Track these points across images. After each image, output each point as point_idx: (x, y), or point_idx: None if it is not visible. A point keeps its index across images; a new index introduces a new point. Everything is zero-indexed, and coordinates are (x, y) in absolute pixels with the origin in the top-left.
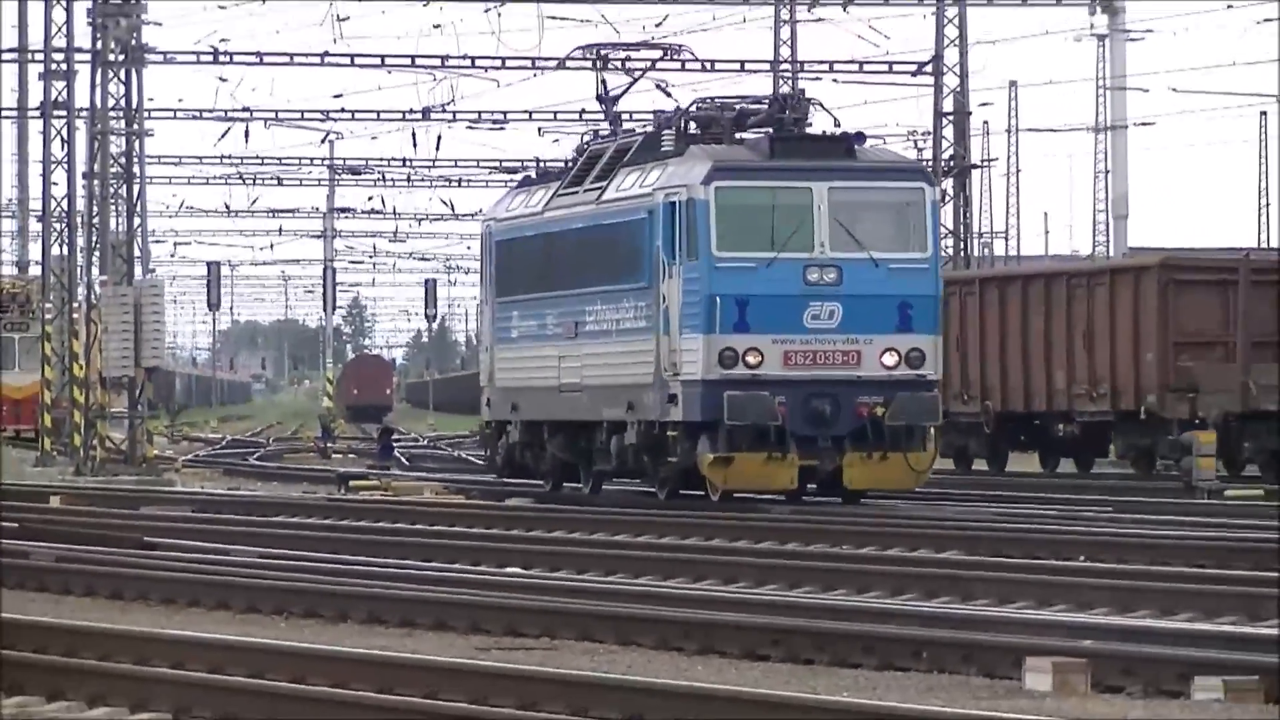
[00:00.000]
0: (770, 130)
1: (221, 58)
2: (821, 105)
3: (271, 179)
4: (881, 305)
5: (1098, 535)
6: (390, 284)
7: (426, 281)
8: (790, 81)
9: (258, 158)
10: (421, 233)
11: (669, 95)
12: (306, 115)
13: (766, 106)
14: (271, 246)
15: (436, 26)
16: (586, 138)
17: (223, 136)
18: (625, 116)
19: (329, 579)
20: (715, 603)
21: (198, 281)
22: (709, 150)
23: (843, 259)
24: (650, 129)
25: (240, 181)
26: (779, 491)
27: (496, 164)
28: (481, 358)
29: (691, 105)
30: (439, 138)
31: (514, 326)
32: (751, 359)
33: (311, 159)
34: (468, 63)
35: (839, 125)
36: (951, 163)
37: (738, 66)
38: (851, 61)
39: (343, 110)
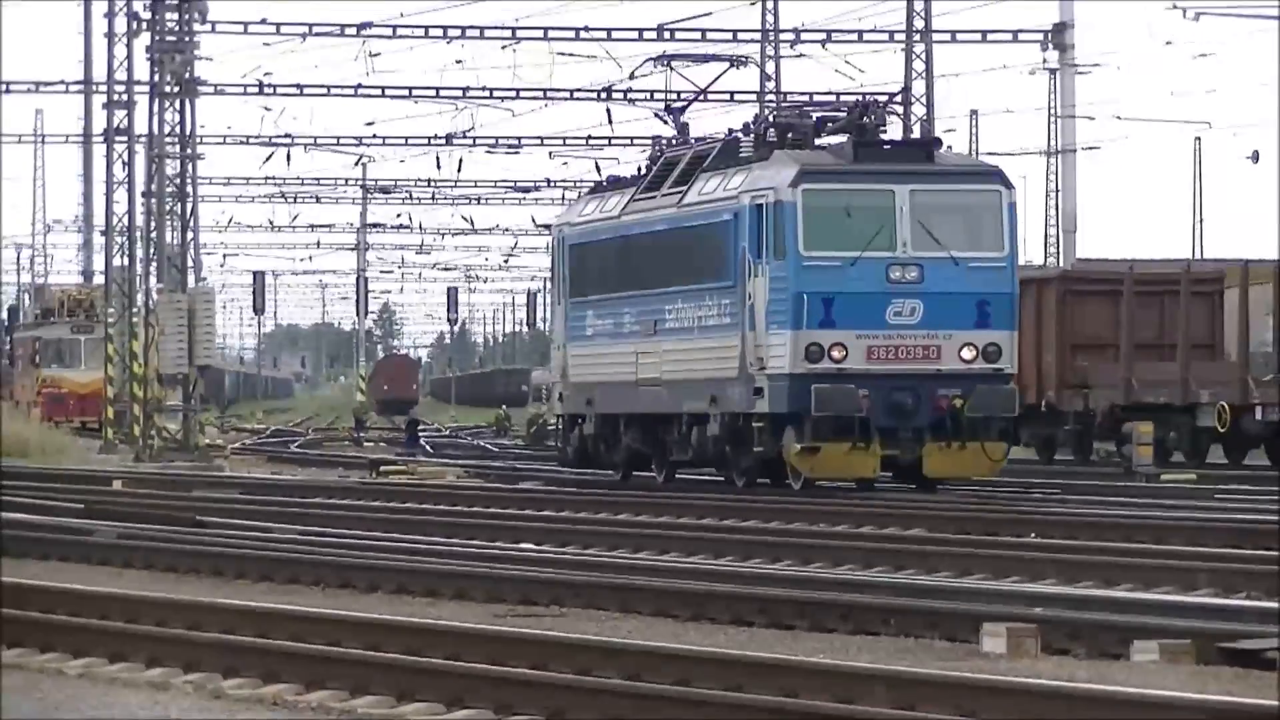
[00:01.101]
0: (851, 135)
1: (266, 90)
2: (897, 113)
3: (310, 197)
4: (960, 302)
5: (1048, 515)
6: (416, 291)
7: (449, 289)
8: (775, 110)
9: (298, 179)
10: (445, 245)
11: (666, 116)
12: (342, 141)
13: (845, 114)
14: (310, 258)
15: (458, 62)
16: (659, 147)
17: (267, 160)
18: (626, 142)
19: (361, 554)
20: (708, 575)
21: (244, 289)
22: (794, 155)
23: (924, 258)
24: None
25: (282, 200)
26: (862, 479)
27: (512, 184)
28: (554, 355)
29: (771, 113)
30: (460, 161)
31: (589, 325)
32: (836, 353)
33: (346, 180)
34: (486, 94)
35: (911, 132)
36: None
37: (727, 96)
38: (830, 93)
39: (374, 136)
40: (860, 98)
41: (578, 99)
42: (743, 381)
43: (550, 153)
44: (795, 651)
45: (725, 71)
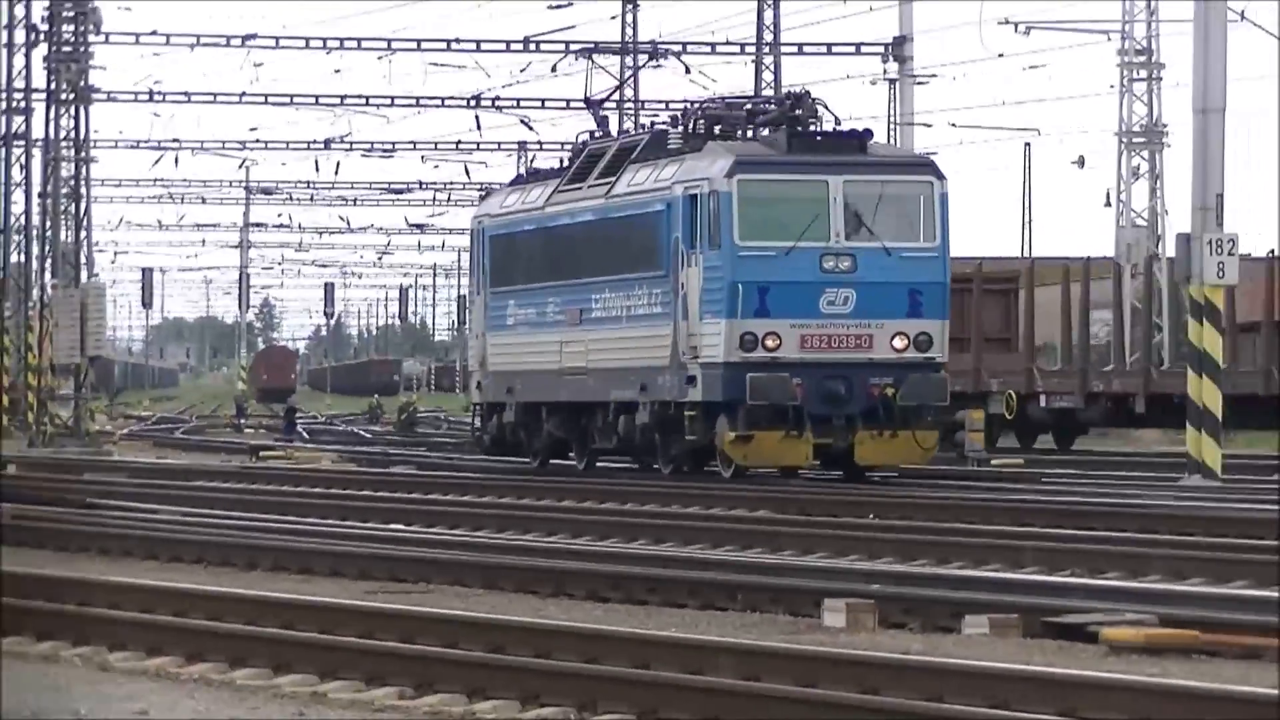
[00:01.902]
0: (784, 127)
1: (156, 97)
2: (825, 106)
3: (197, 198)
4: (892, 292)
5: (885, 497)
6: (296, 286)
7: (326, 285)
8: (633, 117)
9: (185, 181)
10: (322, 244)
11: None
12: (227, 145)
13: (776, 106)
14: (196, 255)
15: (337, 71)
16: (582, 138)
17: (156, 163)
18: (494, 147)
19: (241, 534)
20: (566, 554)
21: (134, 284)
22: (728, 145)
23: (857, 248)
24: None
25: (170, 200)
26: (794, 467)
27: (386, 186)
28: (471, 344)
29: (701, 105)
30: (338, 164)
31: (510, 314)
32: (770, 342)
33: (230, 181)
34: (363, 101)
35: (839, 124)
36: None
37: (563, 105)
38: (684, 100)
39: (257, 141)
40: (792, 90)
41: (448, 106)
42: (675, 370)
43: (422, 156)
44: (648, 625)
45: (644, 65)
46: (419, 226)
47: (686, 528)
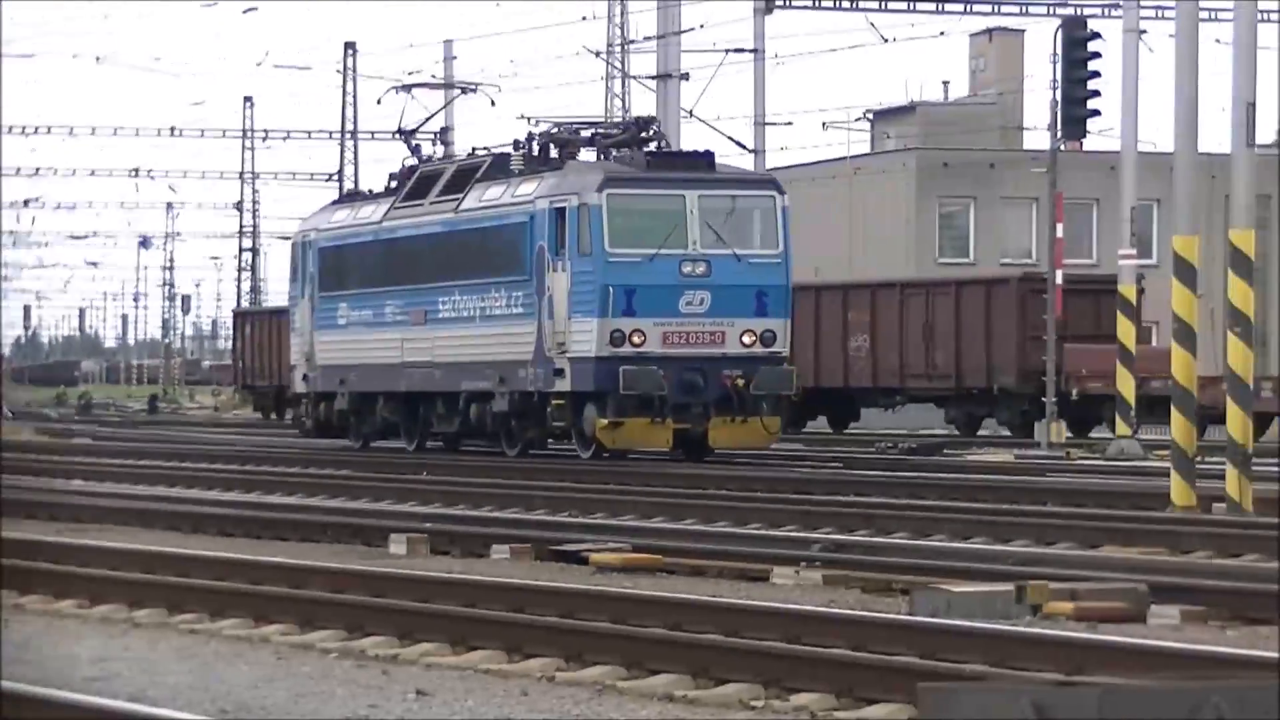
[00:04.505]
0: (634, 148)
1: None
2: (659, 131)
3: None
4: (742, 294)
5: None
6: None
7: (25, 306)
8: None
9: None
10: (22, 276)
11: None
12: None
13: (622, 131)
14: None
15: None
16: (405, 165)
17: None
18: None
19: None
20: (202, 501)
21: None
22: (591, 164)
23: (711, 254)
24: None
25: None
26: (658, 451)
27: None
28: (295, 342)
29: (545, 130)
30: (34, 218)
31: (342, 315)
32: (636, 339)
33: None
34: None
35: (669, 147)
36: None
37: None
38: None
39: None
40: (634, 118)
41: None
42: (539, 363)
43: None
44: (259, 552)
45: (456, 98)
46: (94, 263)
47: (331, 485)
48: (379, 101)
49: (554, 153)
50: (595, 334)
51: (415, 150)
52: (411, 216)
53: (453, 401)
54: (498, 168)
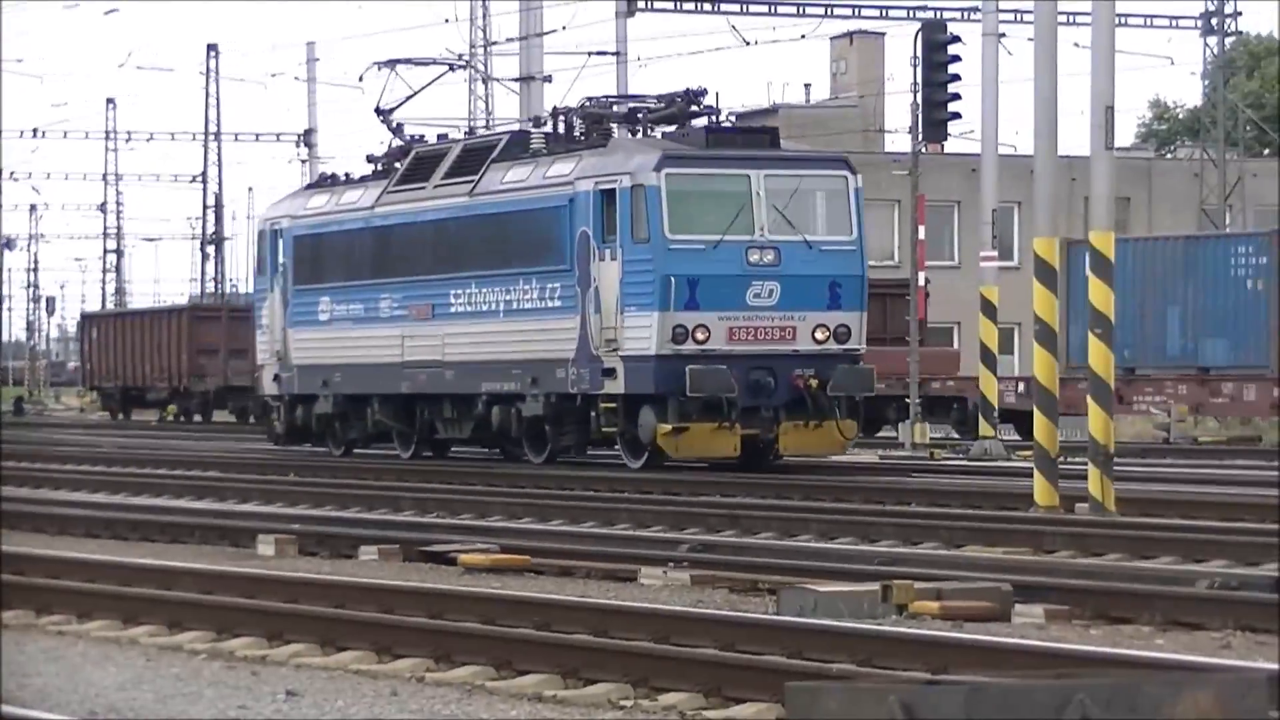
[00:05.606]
0: (679, 125)
1: None
2: (714, 105)
3: None
4: (814, 284)
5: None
6: None
7: None
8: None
9: None
10: None
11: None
12: None
13: (665, 105)
14: None
15: None
16: (393, 146)
17: None
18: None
19: None
20: (68, 503)
21: None
22: (646, 141)
23: (780, 241)
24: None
25: None
26: (723, 459)
27: None
28: (261, 340)
29: (579, 105)
30: None
31: (323, 310)
32: (700, 335)
33: None
34: None
35: (727, 122)
36: None
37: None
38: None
39: None
40: (683, 90)
41: None
42: (583, 362)
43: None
44: (127, 554)
45: (443, 74)
46: None
47: (222, 488)
48: (360, 79)
49: (578, 131)
50: (655, 329)
51: (398, 130)
52: (412, 201)
53: (465, 404)
54: (516, 146)
